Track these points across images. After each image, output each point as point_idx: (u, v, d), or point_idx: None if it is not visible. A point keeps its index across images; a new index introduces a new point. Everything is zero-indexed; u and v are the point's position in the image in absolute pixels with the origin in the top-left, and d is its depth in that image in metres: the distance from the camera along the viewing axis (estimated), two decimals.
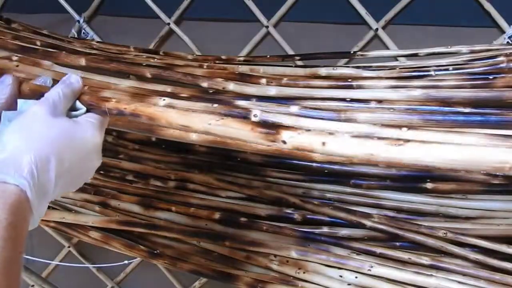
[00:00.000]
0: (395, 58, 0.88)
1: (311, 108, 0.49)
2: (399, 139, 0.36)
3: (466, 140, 0.39)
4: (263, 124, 0.41)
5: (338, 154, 0.37)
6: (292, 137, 0.39)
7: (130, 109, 0.45)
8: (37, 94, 0.47)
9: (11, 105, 0.46)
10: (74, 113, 0.46)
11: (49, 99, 0.44)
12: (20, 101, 0.46)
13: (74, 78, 0.47)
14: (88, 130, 0.44)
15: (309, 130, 0.39)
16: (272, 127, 0.40)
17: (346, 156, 0.37)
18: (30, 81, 0.50)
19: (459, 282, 0.65)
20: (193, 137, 0.48)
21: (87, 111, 0.47)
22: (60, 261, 1.22)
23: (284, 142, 0.39)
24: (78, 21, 1.11)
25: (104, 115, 0.47)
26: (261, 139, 0.40)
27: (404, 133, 0.42)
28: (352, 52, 0.86)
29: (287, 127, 0.40)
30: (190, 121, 0.43)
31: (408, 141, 0.36)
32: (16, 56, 0.62)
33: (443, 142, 0.39)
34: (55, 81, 0.49)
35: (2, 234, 0.33)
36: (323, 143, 0.37)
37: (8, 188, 0.36)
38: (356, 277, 0.68)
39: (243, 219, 0.78)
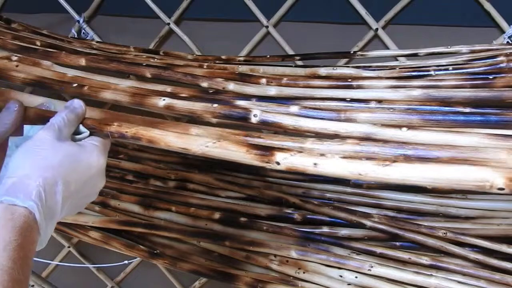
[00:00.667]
0: (395, 58, 0.88)
1: (311, 108, 0.49)
2: (386, 159, 0.38)
3: (467, 140, 0.39)
4: (258, 146, 0.42)
5: (329, 174, 0.39)
6: (286, 158, 0.40)
7: (131, 133, 0.46)
8: (42, 119, 0.48)
9: (18, 131, 0.48)
10: (78, 136, 0.48)
11: (54, 125, 0.45)
12: (26, 127, 0.47)
13: (77, 103, 0.49)
14: (93, 153, 0.46)
15: (301, 152, 0.40)
16: (266, 149, 0.42)
17: (336, 176, 0.39)
18: (35, 106, 0.51)
19: (459, 282, 0.65)
20: None
21: (90, 134, 0.48)
22: (60, 261, 1.22)
23: (278, 163, 0.41)
24: (78, 21, 1.11)
25: (106, 138, 0.48)
26: (256, 161, 0.42)
27: (404, 133, 0.42)
28: (352, 52, 0.86)
29: (281, 149, 0.41)
30: (188, 144, 0.44)
31: (394, 161, 0.37)
32: (16, 56, 0.62)
33: (441, 143, 0.39)
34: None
35: (11, 255, 0.34)
36: (315, 164, 0.39)
37: (17, 210, 0.37)
38: (356, 277, 0.68)
39: (243, 219, 0.78)
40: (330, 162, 0.39)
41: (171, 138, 0.45)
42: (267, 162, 0.41)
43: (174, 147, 0.45)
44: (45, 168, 0.40)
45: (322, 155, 0.39)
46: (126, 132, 0.47)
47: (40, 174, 0.39)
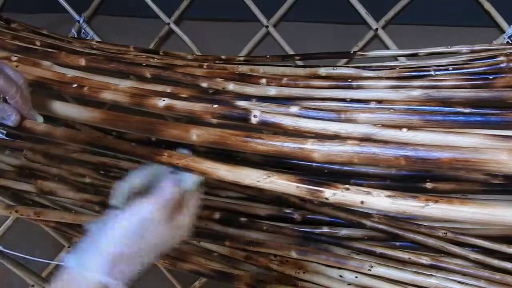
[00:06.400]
0: (395, 58, 0.88)
1: (311, 108, 0.49)
2: (428, 200, 0.39)
3: (467, 141, 0.39)
4: (308, 181, 0.43)
5: (375, 209, 0.42)
6: (335, 194, 0.42)
7: (182, 164, 0.48)
8: None
9: None
10: None
11: None
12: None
13: None
14: None
15: (348, 189, 0.41)
16: (316, 185, 0.43)
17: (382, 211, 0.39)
18: None
19: (459, 282, 0.65)
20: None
21: None
22: (60, 261, 1.22)
23: (327, 199, 0.42)
24: (78, 21, 1.11)
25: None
26: (306, 196, 0.43)
27: (404, 133, 0.42)
28: (352, 52, 0.86)
29: (330, 185, 0.42)
30: (240, 178, 0.46)
31: (436, 201, 0.39)
32: (16, 56, 0.62)
33: (442, 144, 0.39)
34: None
35: None
36: (362, 202, 0.41)
37: None
38: (356, 277, 0.68)
39: (243, 219, 0.78)
40: (376, 200, 0.40)
41: (223, 172, 0.46)
42: (316, 197, 0.43)
43: (226, 180, 0.46)
44: None
45: (368, 193, 0.41)
46: (177, 163, 0.48)
47: None
